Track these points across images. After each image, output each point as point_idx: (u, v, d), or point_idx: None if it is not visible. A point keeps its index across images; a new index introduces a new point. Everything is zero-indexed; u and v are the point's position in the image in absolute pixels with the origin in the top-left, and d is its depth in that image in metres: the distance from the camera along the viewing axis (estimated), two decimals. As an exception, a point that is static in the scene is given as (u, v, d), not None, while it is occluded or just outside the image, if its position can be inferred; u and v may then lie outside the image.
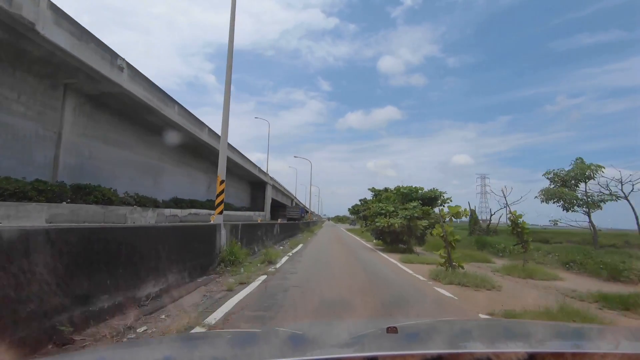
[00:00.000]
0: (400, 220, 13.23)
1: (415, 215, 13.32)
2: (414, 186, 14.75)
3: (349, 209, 49.67)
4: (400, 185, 15.05)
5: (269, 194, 56.93)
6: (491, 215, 21.12)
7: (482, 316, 4.52)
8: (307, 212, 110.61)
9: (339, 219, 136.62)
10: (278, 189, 69.36)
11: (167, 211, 22.07)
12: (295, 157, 49.90)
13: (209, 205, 32.93)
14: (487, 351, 0.94)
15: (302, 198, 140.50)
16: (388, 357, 0.98)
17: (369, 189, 41.58)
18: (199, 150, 30.43)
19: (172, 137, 25.38)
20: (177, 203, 26.27)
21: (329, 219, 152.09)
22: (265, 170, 55.23)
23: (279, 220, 27.38)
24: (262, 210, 54.96)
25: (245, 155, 55.12)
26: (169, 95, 21.00)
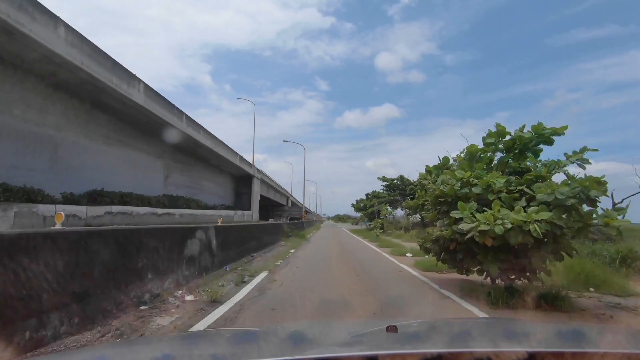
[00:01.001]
0: (548, 216, 4.26)
1: (588, 195, 4.35)
2: (545, 126, 5.70)
3: (352, 205, 40.98)
4: (499, 123, 5.93)
5: (257, 189, 47.93)
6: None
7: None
8: (304, 211, 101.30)
9: (339, 218, 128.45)
10: (269, 184, 60.30)
11: (51, 209, 13.07)
12: (284, 141, 40.26)
13: (163, 202, 23.98)
14: (487, 350, 0.93)
15: (301, 197, 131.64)
16: (387, 356, 0.96)
17: (378, 178, 32.67)
18: (144, 123, 21.46)
19: (76, 94, 16.38)
20: (96, 198, 17.30)
21: (328, 218, 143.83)
22: (251, 161, 46.28)
23: (218, 221, 18.05)
24: (248, 209, 46.00)
25: (244, 156, 46.32)
26: (49, 11, 12.02)
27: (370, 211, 29.71)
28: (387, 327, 1.17)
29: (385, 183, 31.70)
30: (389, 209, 29.82)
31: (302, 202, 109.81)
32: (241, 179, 46.58)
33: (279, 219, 63.81)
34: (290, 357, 0.98)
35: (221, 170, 40.04)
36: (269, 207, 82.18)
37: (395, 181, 30.90)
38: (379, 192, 31.81)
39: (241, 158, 39.08)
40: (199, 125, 26.87)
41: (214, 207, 34.46)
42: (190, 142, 27.35)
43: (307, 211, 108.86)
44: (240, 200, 47.19)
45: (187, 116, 24.40)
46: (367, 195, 34.27)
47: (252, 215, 46.15)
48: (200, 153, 31.19)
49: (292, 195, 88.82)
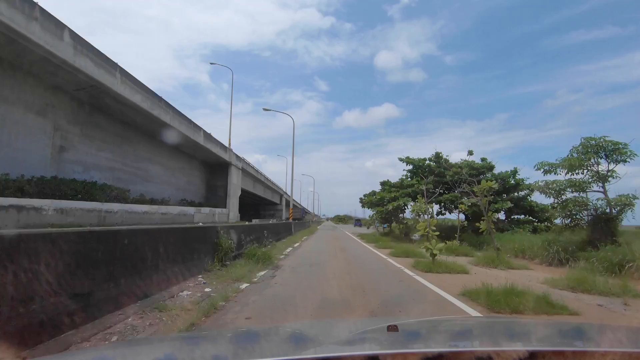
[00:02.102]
0: None
1: None
2: None
3: (360, 200, 30.39)
4: None
5: (235, 181, 37.43)
6: None
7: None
8: (302, 208, 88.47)
9: (339, 219, 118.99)
10: (256, 177, 49.71)
11: None
12: (265, 109, 29.05)
13: (22, 187, 13.57)
14: (488, 349, 0.91)
15: (303, 200, 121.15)
16: (389, 355, 0.93)
17: (400, 159, 22.00)
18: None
19: None
20: None
21: (328, 219, 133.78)
22: (228, 144, 35.85)
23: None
24: (224, 206, 35.59)
25: (243, 157, 36.36)
26: None
27: (393, 207, 19.20)
28: (388, 326, 1.15)
29: (410, 167, 21.29)
30: (410, 202, 19.40)
31: (297, 199, 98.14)
32: (215, 168, 36.14)
33: (267, 219, 53.33)
34: (292, 357, 0.97)
35: (183, 153, 29.62)
36: (259, 205, 71.52)
37: (429, 163, 20.44)
38: (402, 180, 21.35)
39: (207, 135, 28.63)
40: (114, 63, 16.44)
41: (162, 202, 23.99)
42: (104, 94, 16.93)
43: (307, 211, 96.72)
44: (215, 194, 36.75)
45: (80, 38, 13.99)
46: (382, 185, 23.82)
47: (227, 215, 35.69)
48: (133, 118, 20.72)
49: (287, 193, 78.16)
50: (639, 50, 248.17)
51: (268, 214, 67.58)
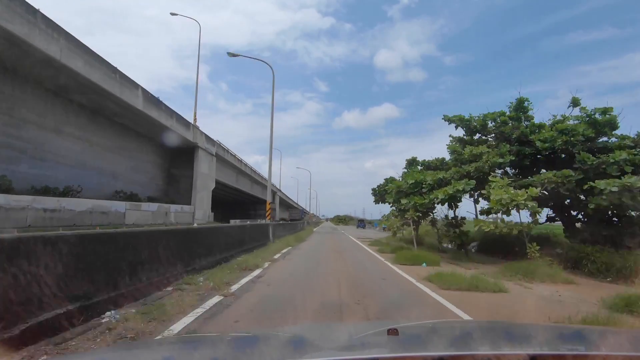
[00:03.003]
0: None
1: None
2: None
3: (374, 190, 21.62)
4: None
5: (206, 169, 28.65)
6: None
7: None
8: (301, 209, 79.35)
9: (339, 220, 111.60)
10: (240, 169, 40.87)
11: None
12: (229, 54, 19.56)
13: None
14: (489, 353, 0.90)
15: (301, 200, 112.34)
16: (389, 359, 0.94)
17: (444, 118, 12.70)
18: None
19: None
20: None
21: (327, 219, 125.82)
22: (193, 121, 27.12)
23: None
24: (188, 202, 26.87)
25: (218, 140, 27.82)
26: None
27: (446, 195, 10.36)
28: (388, 329, 1.13)
29: (461, 131, 12.71)
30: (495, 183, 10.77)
31: (294, 199, 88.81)
32: (177, 152, 27.29)
33: (259, 220, 44.77)
34: None
35: (124, 127, 20.85)
36: (247, 204, 62.35)
37: (502, 118, 11.79)
38: (453, 147, 12.62)
39: (151, 98, 19.77)
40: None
41: (65, 193, 15.28)
42: None
43: (305, 211, 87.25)
44: (177, 187, 28.04)
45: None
46: (409, 166, 15.16)
47: (192, 214, 26.96)
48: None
49: (280, 190, 69.32)
50: (637, 51, 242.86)
51: (258, 214, 58.64)
